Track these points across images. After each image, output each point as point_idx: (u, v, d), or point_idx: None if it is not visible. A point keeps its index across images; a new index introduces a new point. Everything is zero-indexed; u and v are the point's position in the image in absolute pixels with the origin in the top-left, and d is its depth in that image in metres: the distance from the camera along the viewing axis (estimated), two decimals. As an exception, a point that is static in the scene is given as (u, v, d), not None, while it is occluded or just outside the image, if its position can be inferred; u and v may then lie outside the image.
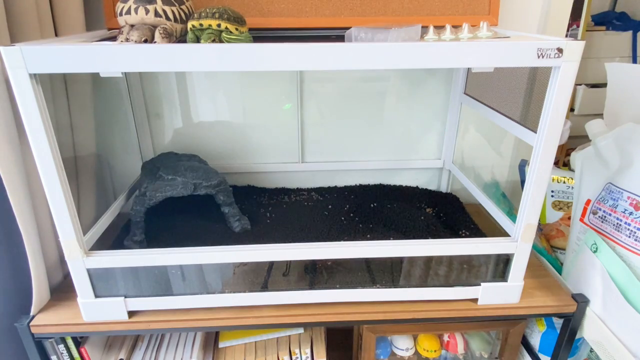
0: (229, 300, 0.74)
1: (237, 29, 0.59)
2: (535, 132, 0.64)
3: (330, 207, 0.87)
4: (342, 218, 0.84)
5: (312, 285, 0.75)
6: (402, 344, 0.95)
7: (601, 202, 0.79)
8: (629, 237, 0.72)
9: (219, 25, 0.57)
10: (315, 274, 0.75)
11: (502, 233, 0.76)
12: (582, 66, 0.61)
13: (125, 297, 0.71)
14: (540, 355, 0.89)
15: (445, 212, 0.90)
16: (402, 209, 0.87)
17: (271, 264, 0.75)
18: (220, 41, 0.58)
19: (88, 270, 0.68)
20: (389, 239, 0.75)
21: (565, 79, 0.58)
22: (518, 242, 0.71)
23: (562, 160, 1.28)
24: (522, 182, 1.06)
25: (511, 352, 0.88)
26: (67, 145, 0.82)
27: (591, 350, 0.89)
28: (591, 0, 1.14)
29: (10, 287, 0.74)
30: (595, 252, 0.75)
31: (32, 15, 0.68)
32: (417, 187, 1.08)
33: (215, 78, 0.95)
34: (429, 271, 0.75)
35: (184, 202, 0.79)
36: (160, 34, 0.57)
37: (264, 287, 0.74)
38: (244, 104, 0.98)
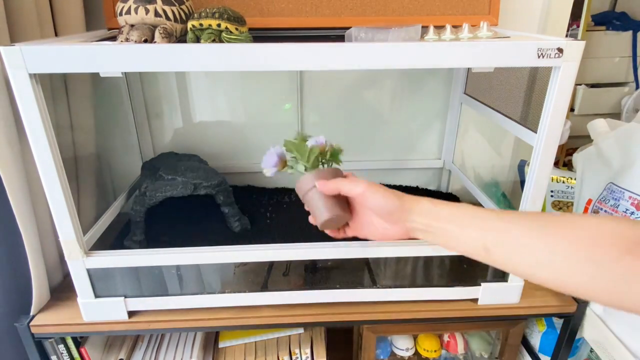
0: (229, 300, 0.74)
1: (237, 29, 0.58)
2: (535, 132, 0.64)
3: (330, 207, 0.87)
4: (342, 218, 0.84)
5: (312, 285, 0.75)
6: (402, 344, 0.95)
7: (602, 202, 0.79)
8: (629, 237, 0.72)
9: (219, 25, 0.57)
10: (315, 274, 0.75)
11: (502, 233, 0.75)
12: (582, 66, 0.61)
13: (125, 297, 0.71)
14: (541, 355, 0.89)
15: (446, 212, 0.90)
16: (402, 209, 0.87)
17: (271, 264, 0.75)
18: (220, 41, 0.58)
19: (88, 270, 0.68)
20: (389, 239, 0.74)
21: (565, 79, 0.58)
22: (518, 242, 0.71)
23: (562, 160, 1.28)
24: (522, 182, 1.06)
25: (511, 352, 0.88)
26: (67, 145, 0.82)
27: (591, 350, 0.89)
28: (591, 0, 1.14)
29: (10, 287, 0.74)
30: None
31: (32, 15, 0.68)
32: (417, 187, 1.07)
33: (215, 78, 0.95)
34: (429, 271, 0.75)
35: (184, 202, 0.78)
36: (160, 34, 0.57)
37: (264, 287, 0.74)
38: (244, 104, 0.98)
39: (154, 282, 0.72)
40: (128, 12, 0.58)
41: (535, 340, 0.90)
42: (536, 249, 0.40)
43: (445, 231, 0.47)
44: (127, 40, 0.57)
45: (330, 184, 0.54)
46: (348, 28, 0.62)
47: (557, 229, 0.40)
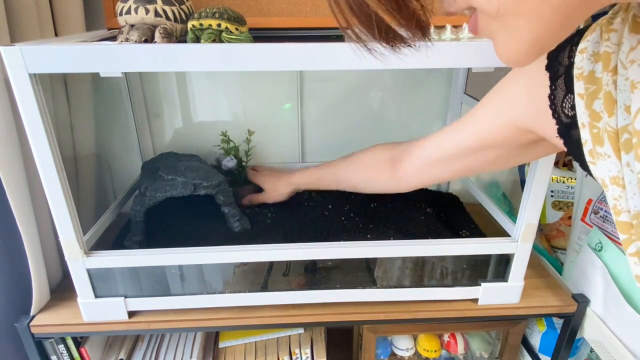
0: (229, 300, 0.74)
1: (237, 29, 0.58)
2: (536, 132, 0.64)
3: (330, 207, 0.87)
4: (342, 218, 0.84)
5: (312, 285, 0.75)
6: (402, 344, 0.95)
7: (603, 202, 0.79)
8: (629, 237, 0.72)
9: (219, 25, 0.57)
10: (315, 274, 0.75)
11: (502, 233, 0.76)
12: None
13: (125, 297, 0.71)
14: (541, 356, 0.89)
15: (445, 212, 0.90)
16: (402, 209, 0.87)
17: (271, 264, 0.75)
18: (220, 41, 0.58)
19: (88, 270, 0.68)
20: (389, 239, 0.75)
21: (566, 79, 0.58)
22: (518, 242, 0.71)
23: (562, 160, 1.28)
24: (522, 182, 1.06)
25: (511, 352, 0.88)
26: (67, 145, 0.82)
27: (591, 351, 0.89)
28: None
29: (10, 287, 0.74)
30: (599, 250, 0.75)
31: (32, 15, 0.68)
32: (417, 187, 1.07)
33: (215, 78, 0.95)
34: (429, 271, 0.75)
35: (184, 202, 0.78)
36: (160, 34, 0.57)
37: (264, 287, 0.74)
38: (244, 104, 0.98)
39: (154, 282, 0.72)
40: (128, 12, 0.58)
41: (535, 340, 0.90)
42: (348, 173, 0.76)
43: (313, 187, 0.84)
44: (127, 40, 0.57)
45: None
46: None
47: (354, 163, 0.74)
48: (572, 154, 0.40)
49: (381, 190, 0.73)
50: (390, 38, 0.29)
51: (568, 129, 0.39)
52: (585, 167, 0.37)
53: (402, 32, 0.29)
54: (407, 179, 0.66)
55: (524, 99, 0.45)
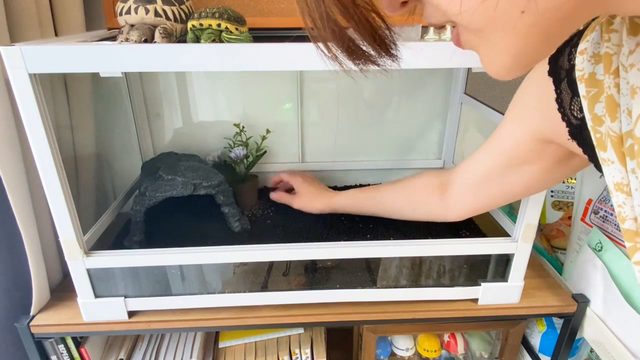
0: (229, 300, 0.74)
1: (237, 29, 0.58)
2: (536, 132, 0.64)
3: (330, 207, 0.87)
4: (342, 218, 0.84)
5: (312, 285, 0.75)
6: (402, 344, 0.95)
7: (603, 202, 0.79)
8: (629, 237, 0.72)
9: (219, 25, 0.57)
10: (315, 274, 0.75)
11: (502, 233, 0.76)
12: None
13: (125, 297, 0.71)
14: (541, 356, 0.89)
15: (446, 212, 0.90)
16: (402, 209, 0.88)
17: (271, 264, 0.75)
18: (220, 41, 0.58)
19: (88, 270, 0.68)
20: (389, 239, 0.75)
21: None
22: (518, 242, 0.71)
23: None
24: (522, 182, 1.06)
25: (511, 352, 0.88)
26: (67, 145, 0.82)
27: (591, 351, 0.89)
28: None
29: (10, 287, 0.74)
30: (599, 251, 0.75)
31: (32, 15, 0.68)
32: (417, 187, 1.07)
33: (215, 78, 0.95)
34: (429, 271, 0.75)
35: (184, 202, 0.78)
36: (160, 33, 0.57)
37: (264, 287, 0.74)
38: (244, 103, 0.98)
39: (153, 282, 0.72)
40: (128, 12, 0.58)
41: (535, 340, 0.90)
42: (394, 198, 0.74)
43: (352, 210, 0.81)
44: (127, 40, 0.57)
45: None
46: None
47: (402, 190, 0.73)
48: (587, 155, 0.40)
49: (428, 216, 0.71)
50: (355, 54, 0.29)
51: (579, 130, 0.39)
52: (600, 168, 0.36)
53: (369, 49, 0.29)
54: (455, 205, 0.65)
55: (536, 108, 0.45)
